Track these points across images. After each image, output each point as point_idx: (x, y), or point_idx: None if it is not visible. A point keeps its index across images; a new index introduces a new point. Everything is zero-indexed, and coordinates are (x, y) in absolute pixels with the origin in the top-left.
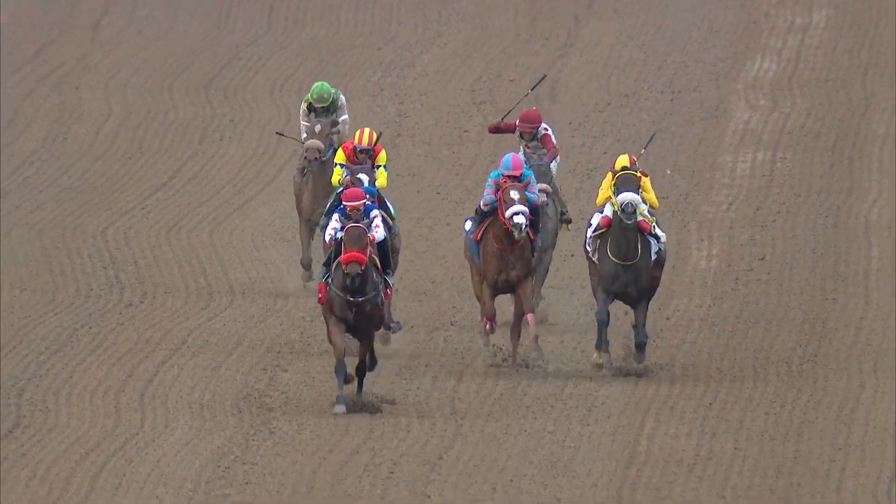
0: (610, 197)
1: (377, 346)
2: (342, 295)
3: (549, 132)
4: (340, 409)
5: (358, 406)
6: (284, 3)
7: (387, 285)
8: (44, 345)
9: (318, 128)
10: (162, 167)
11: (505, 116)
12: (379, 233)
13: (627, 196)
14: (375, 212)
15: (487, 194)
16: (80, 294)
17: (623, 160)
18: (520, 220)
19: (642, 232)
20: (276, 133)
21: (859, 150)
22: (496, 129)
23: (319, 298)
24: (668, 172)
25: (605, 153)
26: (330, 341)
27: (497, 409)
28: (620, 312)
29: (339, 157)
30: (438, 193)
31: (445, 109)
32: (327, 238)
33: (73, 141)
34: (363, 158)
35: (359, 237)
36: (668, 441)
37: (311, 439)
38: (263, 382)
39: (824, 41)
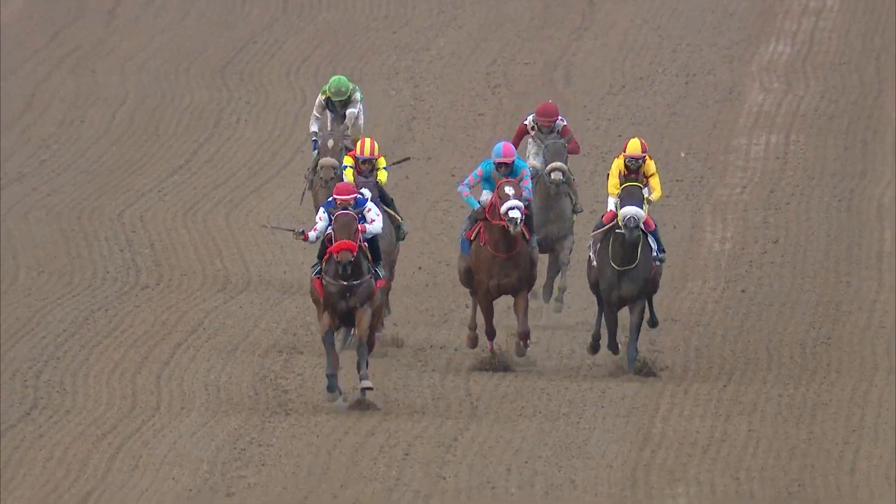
0: (618, 189)
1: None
2: (336, 282)
3: (567, 125)
4: (331, 396)
5: (358, 400)
6: None
7: (377, 276)
8: (61, 327)
9: (330, 143)
10: (178, 150)
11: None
12: (375, 225)
13: (630, 210)
14: (370, 205)
15: (467, 181)
16: (96, 277)
17: (634, 144)
18: (515, 214)
19: (645, 234)
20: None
21: (873, 133)
22: (517, 138)
23: (318, 290)
24: (683, 155)
25: (619, 136)
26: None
27: (512, 391)
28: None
29: (347, 160)
30: (453, 176)
31: (460, 93)
32: (313, 237)
33: (89, 124)
34: (366, 168)
35: (348, 224)
36: (682, 423)
37: (327, 421)
38: (279, 365)
39: (838, 24)
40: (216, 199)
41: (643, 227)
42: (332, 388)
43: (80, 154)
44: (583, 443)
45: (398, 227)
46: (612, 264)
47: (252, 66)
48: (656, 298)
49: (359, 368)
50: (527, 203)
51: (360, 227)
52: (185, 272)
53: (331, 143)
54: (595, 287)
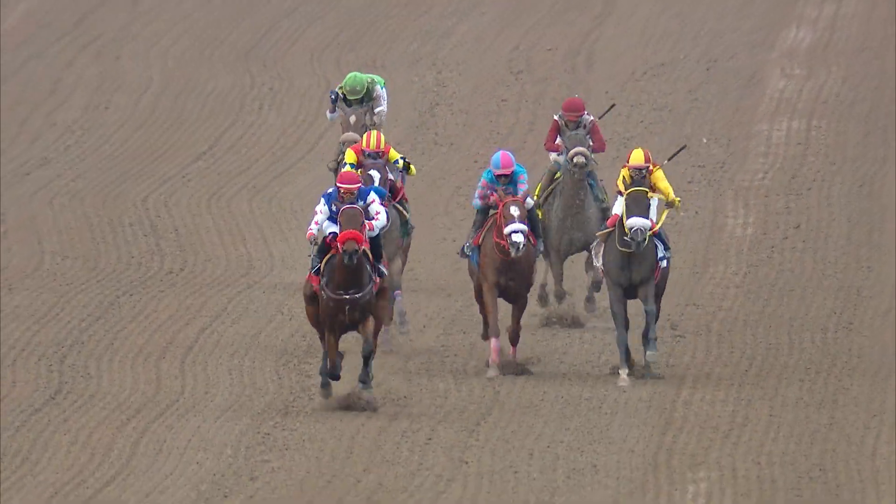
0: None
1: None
2: (336, 294)
3: (595, 119)
4: (325, 393)
5: (355, 400)
6: None
7: (380, 275)
8: (85, 312)
9: (353, 119)
10: (202, 136)
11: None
12: (380, 220)
13: (637, 222)
14: (373, 195)
15: (477, 196)
16: (121, 262)
17: (637, 154)
18: (518, 238)
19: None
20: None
21: (894, 119)
22: (551, 147)
23: (312, 280)
24: (705, 141)
25: (641, 122)
26: (320, 338)
27: (534, 376)
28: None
29: (350, 157)
30: (476, 162)
31: (483, 79)
32: (315, 230)
33: (113, 110)
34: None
35: (354, 217)
36: (703, 407)
37: (350, 405)
38: (303, 349)
39: (859, 10)
40: (240, 184)
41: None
42: (325, 386)
43: (104, 140)
44: (605, 427)
45: (405, 223)
46: (620, 248)
47: (275, 52)
48: (667, 303)
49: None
50: (528, 204)
51: (367, 224)
52: (208, 257)
53: (353, 118)
54: (606, 277)
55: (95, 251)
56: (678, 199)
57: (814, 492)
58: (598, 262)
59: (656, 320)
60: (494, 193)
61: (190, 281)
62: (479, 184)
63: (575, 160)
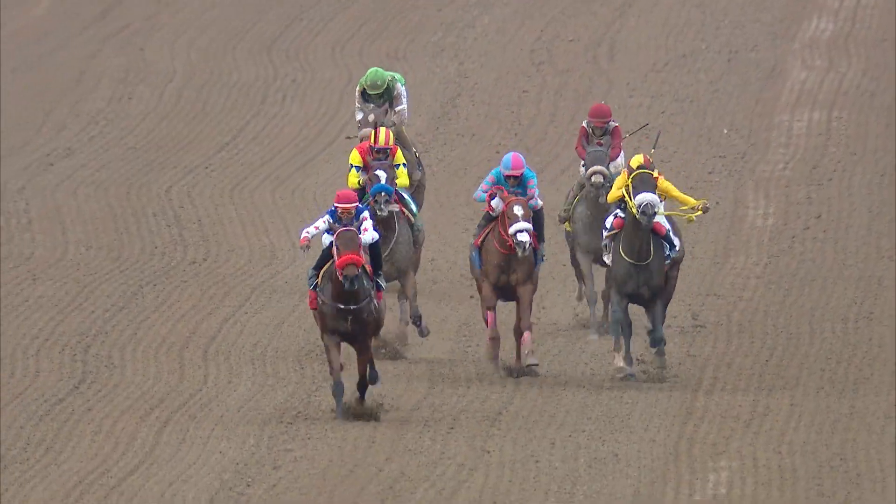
0: (624, 196)
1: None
2: (335, 305)
3: (619, 126)
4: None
5: (360, 412)
6: None
7: (378, 288)
8: (109, 301)
9: (371, 117)
10: (225, 127)
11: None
12: (367, 236)
13: (647, 196)
14: (365, 214)
15: (481, 190)
16: (144, 252)
17: (638, 159)
18: (523, 238)
19: (656, 234)
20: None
21: None
22: (580, 146)
23: (311, 303)
24: (726, 132)
25: (662, 112)
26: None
27: (555, 365)
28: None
29: (354, 158)
30: (498, 153)
31: (505, 69)
32: (306, 234)
33: (138, 101)
34: (381, 158)
35: (352, 239)
36: (724, 397)
37: (373, 394)
38: None
39: (881, 1)
40: (263, 175)
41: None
42: (340, 415)
43: (128, 130)
44: (626, 417)
45: (412, 227)
46: (627, 258)
47: (298, 43)
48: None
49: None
50: (533, 208)
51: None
52: (231, 247)
53: (371, 117)
54: (612, 286)
55: (119, 241)
56: (704, 200)
57: (834, 481)
58: (608, 261)
59: (663, 321)
60: (501, 191)
61: (213, 271)
62: (486, 179)
63: (593, 179)
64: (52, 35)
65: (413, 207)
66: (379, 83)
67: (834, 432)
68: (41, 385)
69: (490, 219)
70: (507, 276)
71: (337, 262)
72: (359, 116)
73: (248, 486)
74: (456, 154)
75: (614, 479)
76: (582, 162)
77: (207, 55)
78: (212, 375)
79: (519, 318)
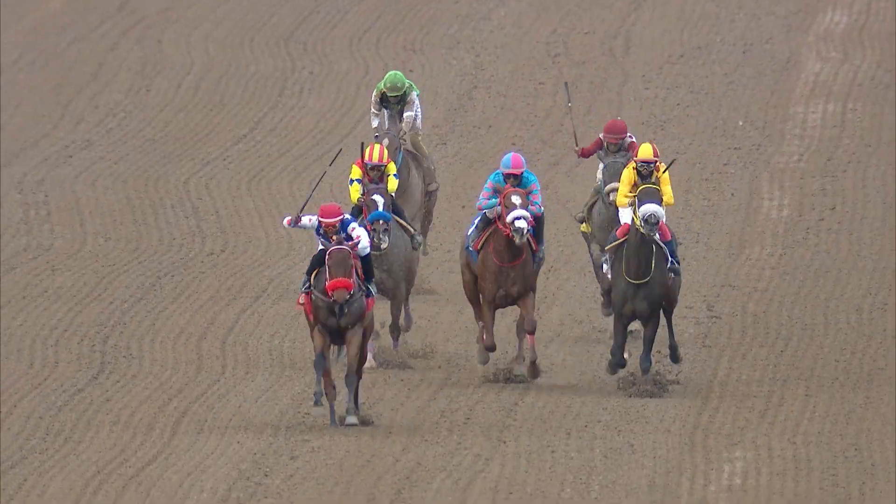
0: (632, 202)
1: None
2: (326, 298)
3: (635, 141)
4: (318, 411)
5: (355, 419)
6: None
7: (368, 294)
8: (127, 293)
9: (385, 142)
10: (243, 119)
11: (575, 140)
12: (362, 245)
13: (651, 207)
14: (353, 225)
15: (482, 197)
16: (162, 243)
17: (646, 149)
18: (521, 224)
19: (658, 245)
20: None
21: None
22: (585, 155)
23: (303, 307)
24: (741, 124)
25: (677, 104)
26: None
27: (571, 357)
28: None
29: (355, 173)
30: (514, 144)
31: (521, 62)
32: (290, 219)
33: (155, 93)
34: (375, 175)
35: (344, 260)
36: (739, 387)
37: (389, 385)
38: None
39: None
40: (280, 167)
41: (659, 237)
42: (318, 403)
43: (146, 122)
44: (641, 407)
45: (412, 238)
46: (626, 277)
47: (315, 35)
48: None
49: (347, 401)
50: (534, 215)
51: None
52: (249, 239)
53: (386, 142)
54: (611, 307)
55: (137, 233)
56: (672, 202)
57: (849, 471)
58: (607, 268)
59: (675, 360)
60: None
61: (231, 262)
62: (486, 185)
63: (611, 197)
64: (70, 28)
65: (411, 230)
66: (399, 85)
67: (848, 423)
68: (60, 375)
69: (488, 222)
70: (504, 290)
71: (327, 284)
72: (374, 123)
73: (266, 475)
74: (472, 146)
75: (630, 470)
76: (600, 166)
77: (225, 47)
78: (229, 366)
79: (522, 318)
